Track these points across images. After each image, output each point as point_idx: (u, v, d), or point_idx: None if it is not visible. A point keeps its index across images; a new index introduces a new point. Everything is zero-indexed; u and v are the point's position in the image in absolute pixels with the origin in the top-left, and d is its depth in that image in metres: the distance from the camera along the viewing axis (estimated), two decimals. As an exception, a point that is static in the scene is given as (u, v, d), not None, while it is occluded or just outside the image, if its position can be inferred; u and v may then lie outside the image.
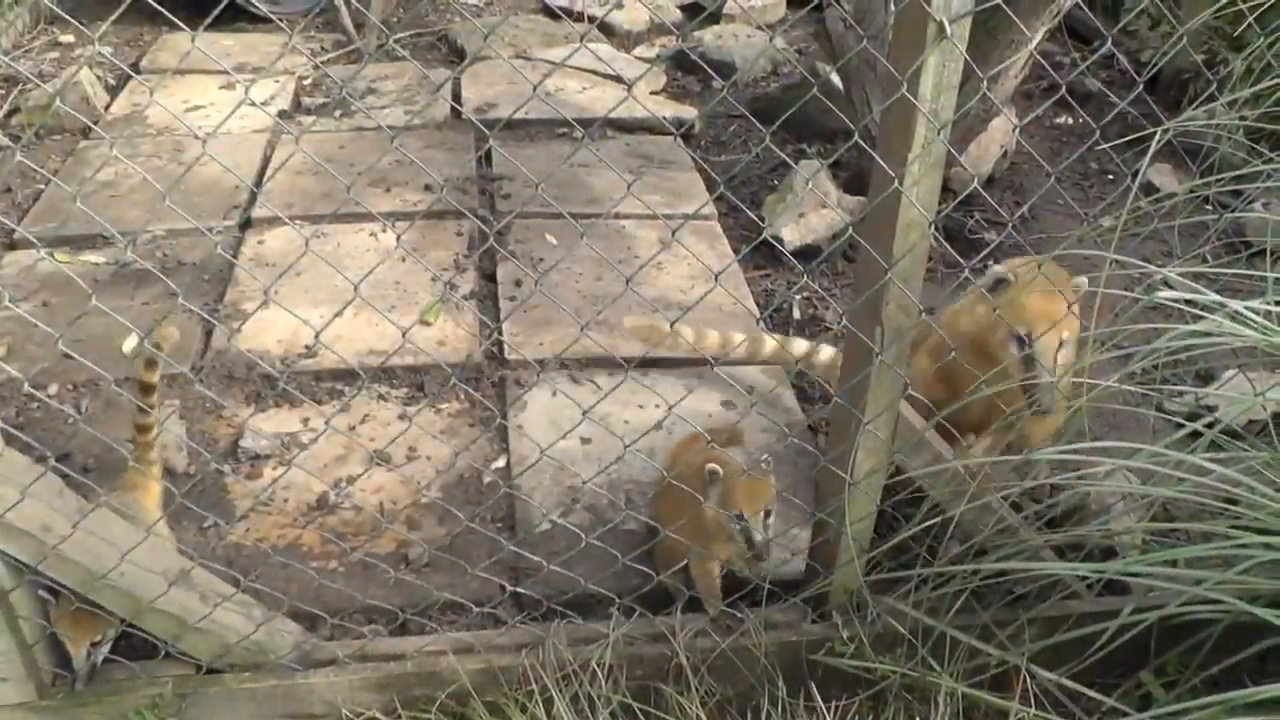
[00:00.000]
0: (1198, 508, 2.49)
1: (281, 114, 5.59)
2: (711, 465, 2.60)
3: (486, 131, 4.64)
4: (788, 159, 2.77)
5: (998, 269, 2.56)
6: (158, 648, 2.50)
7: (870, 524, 2.64)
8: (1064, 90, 2.43)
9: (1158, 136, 2.52)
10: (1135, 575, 2.48)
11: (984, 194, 2.76)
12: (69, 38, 6.37)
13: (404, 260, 4.27)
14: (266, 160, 5.11)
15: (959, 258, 2.86)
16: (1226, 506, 2.38)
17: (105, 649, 2.44)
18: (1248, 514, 2.30)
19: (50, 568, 2.24)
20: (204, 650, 2.50)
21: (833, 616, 2.69)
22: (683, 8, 7.49)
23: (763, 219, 4.66)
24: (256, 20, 6.61)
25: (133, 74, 2.52)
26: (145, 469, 2.74)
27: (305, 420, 3.52)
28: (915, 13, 2.03)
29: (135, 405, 2.70)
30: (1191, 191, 3.41)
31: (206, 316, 2.45)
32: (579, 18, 7.13)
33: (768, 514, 2.58)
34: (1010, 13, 3.20)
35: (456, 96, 5.90)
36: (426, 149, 5.28)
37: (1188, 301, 2.42)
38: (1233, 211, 3.42)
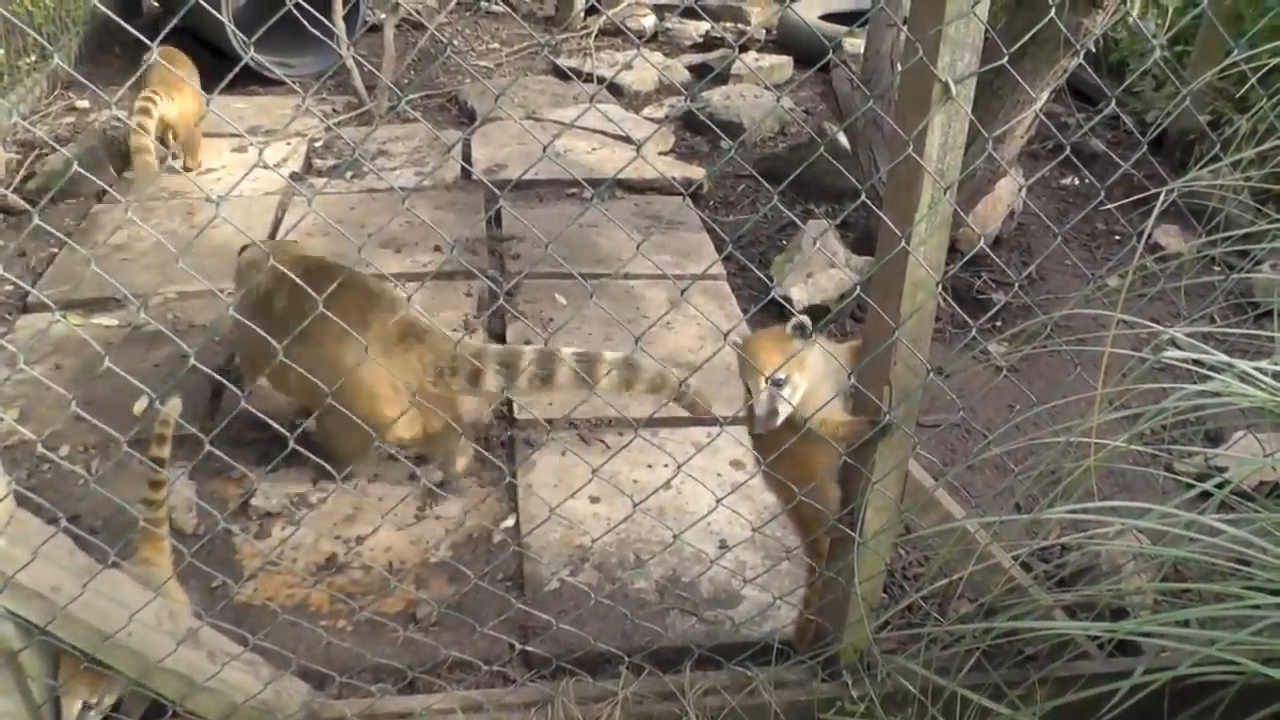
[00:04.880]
0: (1209, 568, 2.47)
1: (293, 176, 5.65)
2: (733, 338, 2.34)
3: (497, 192, 4.67)
4: (796, 219, 2.78)
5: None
6: (165, 707, 2.49)
7: (879, 583, 2.63)
8: (1069, 151, 2.45)
9: (1163, 197, 2.53)
10: (1147, 635, 2.46)
11: (991, 254, 2.77)
12: (85, 102, 6.45)
13: (414, 320, 4.29)
14: (278, 222, 5.15)
15: (967, 318, 2.87)
16: (1238, 567, 2.36)
17: (93, 714, 2.42)
18: (1260, 575, 2.29)
19: (59, 628, 2.24)
20: (212, 710, 2.48)
21: (843, 675, 2.67)
22: (691, 68, 7.57)
23: (771, 279, 4.68)
24: (269, 83, 6.70)
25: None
26: (155, 540, 2.71)
27: (314, 480, 3.52)
28: (920, 73, 2.05)
29: (151, 461, 2.70)
30: (1198, 252, 3.42)
31: (218, 378, 2.47)
32: (588, 79, 7.21)
33: (779, 384, 2.32)
34: (1015, 73, 3.23)
35: (467, 157, 5.95)
36: (437, 210, 5.32)
37: (1195, 362, 2.42)
38: (1240, 272, 3.43)
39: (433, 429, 3.40)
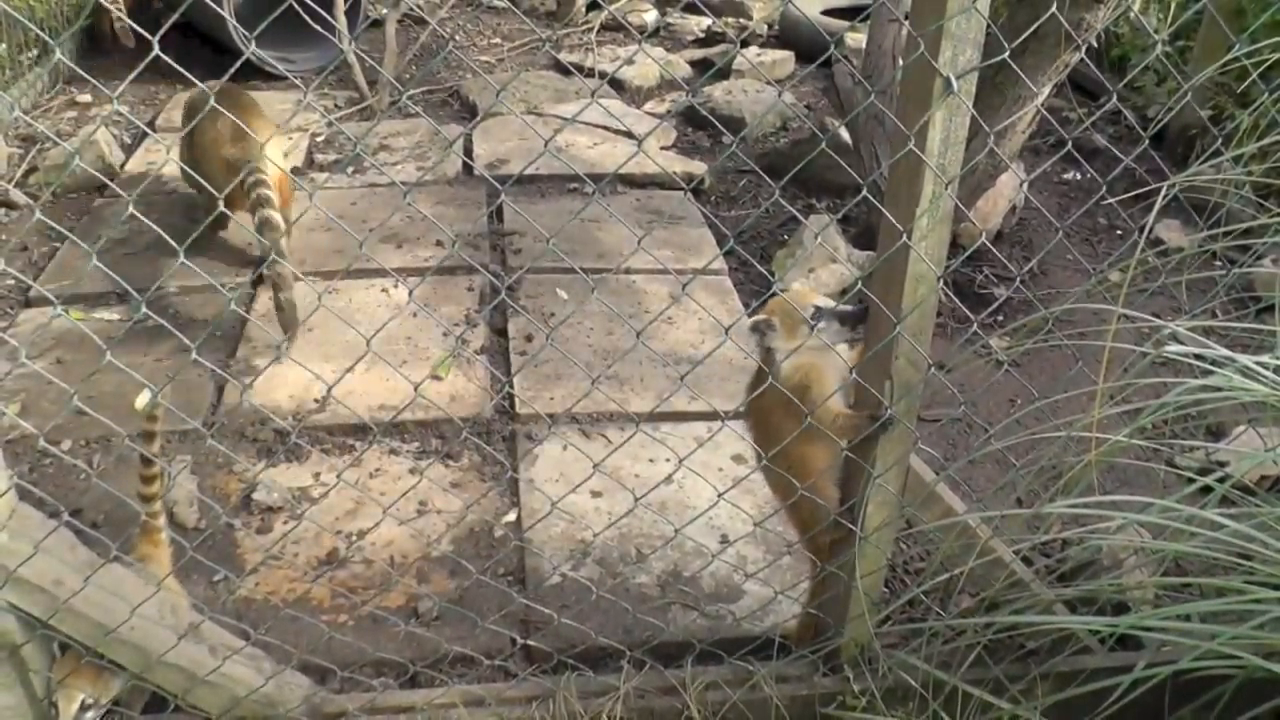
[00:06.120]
0: (1210, 563, 2.47)
1: (295, 171, 5.63)
2: (756, 319, 2.53)
3: (498, 187, 4.67)
4: (797, 214, 2.78)
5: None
6: (166, 701, 2.49)
7: (881, 577, 2.63)
8: (1071, 146, 2.45)
9: (1165, 192, 2.53)
10: (1148, 630, 2.46)
11: (992, 249, 2.78)
12: (86, 97, 6.45)
13: (415, 315, 4.29)
14: (280, 216, 5.14)
15: (968, 313, 2.86)
16: (1240, 562, 2.36)
17: (94, 713, 2.42)
18: (1261, 569, 2.29)
19: (61, 622, 2.24)
20: (213, 704, 2.49)
21: (844, 670, 2.67)
22: (692, 63, 7.56)
23: (772, 274, 4.68)
24: (271, 78, 6.69)
25: (149, 131, 2.55)
26: (152, 534, 2.71)
27: (316, 475, 3.52)
28: (922, 69, 2.05)
29: (140, 456, 2.69)
30: (1199, 247, 3.42)
31: (220, 372, 2.47)
32: (589, 74, 7.19)
33: (760, 326, 2.54)
34: (1017, 69, 3.23)
35: (468, 152, 5.95)
36: (438, 205, 5.32)
37: (1197, 356, 2.42)
38: (1241, 267, 3.43)
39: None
